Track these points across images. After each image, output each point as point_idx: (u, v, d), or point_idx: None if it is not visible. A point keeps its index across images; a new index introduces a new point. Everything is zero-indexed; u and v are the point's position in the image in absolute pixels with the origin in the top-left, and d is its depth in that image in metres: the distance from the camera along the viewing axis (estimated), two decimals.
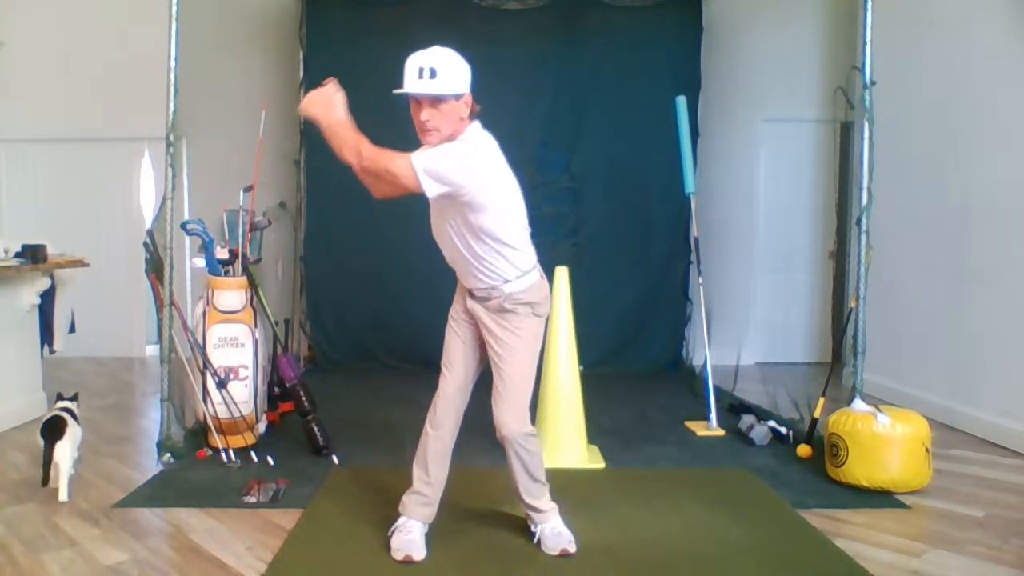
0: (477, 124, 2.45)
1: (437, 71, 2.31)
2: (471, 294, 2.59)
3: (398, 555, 2.56)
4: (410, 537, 2.61)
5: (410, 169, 2.28)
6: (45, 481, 3.10)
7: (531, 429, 2.57)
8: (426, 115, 2.33)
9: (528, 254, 2.54)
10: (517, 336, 2.52)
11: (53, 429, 3.15)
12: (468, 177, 2.31)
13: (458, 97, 2.36)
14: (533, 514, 2.70)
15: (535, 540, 2.68)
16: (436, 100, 2.32)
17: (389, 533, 2.66)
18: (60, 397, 3.48)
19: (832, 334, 6.49)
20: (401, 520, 2.67)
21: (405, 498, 2.70)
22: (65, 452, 3.13)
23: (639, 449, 3.95)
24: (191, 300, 6.31)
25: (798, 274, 6.60)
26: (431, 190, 2.29)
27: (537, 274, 2.57)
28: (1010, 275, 4.08)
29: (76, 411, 3.39)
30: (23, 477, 3.43)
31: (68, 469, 3.18)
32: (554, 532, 2.65)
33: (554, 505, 2.71)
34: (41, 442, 3.12)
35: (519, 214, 2.50)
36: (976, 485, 3.43)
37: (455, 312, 2.68)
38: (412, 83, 2.33)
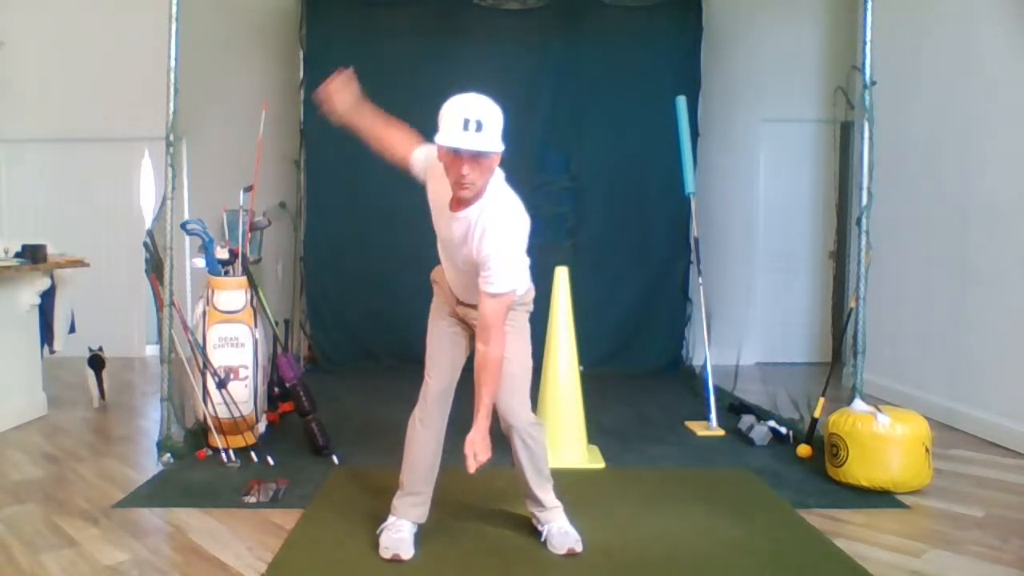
0: (500, 177, 2.41)
1: (484, 124, 2.18)
2: (462, 303, 2.62)
3: (386, 554, 2.56)
4: (399, 536, 2.61)
5: (506, 302, 2.37)
6: (103, 395, 4.80)
7: (535, 418, 2.65)
8: (467, 170, 2.22)
9: (526, 273, 2.61)
10: (515, 331, 2.56)
11: (99, 362, 4.78)
12: (524, 252, 2.44)
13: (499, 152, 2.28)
14: (539, 513, 2.71)
15: (542, 540, 2.68)
16: (480, 155, 2.22)
17: (378, 532, 2.67)
18: (91, 349, 4.79)
19: (832, 334, 6.49)
20: (391, 519, 2.68)
21: (396, 500, 2.70)
22: (104, 378, 4.78)
23: (639, 449, 3.95)
24: (191, 300, 6.31)
25: (798, 274, 6.59)
26: (519, 282, 2.42)
27: (529, 279, 2.65)
28: (1010, 275, 4.08)
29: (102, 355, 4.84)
30: (23, 477, 3.43)
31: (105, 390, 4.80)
32: (561, 532, 2.66)
33: (559, 504, 2.72)
34: (90, 371, 4.76)
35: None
36: (976, 485, 3.42)
37: (441, 314, 2.70)
38: (458, 135, 2.18)
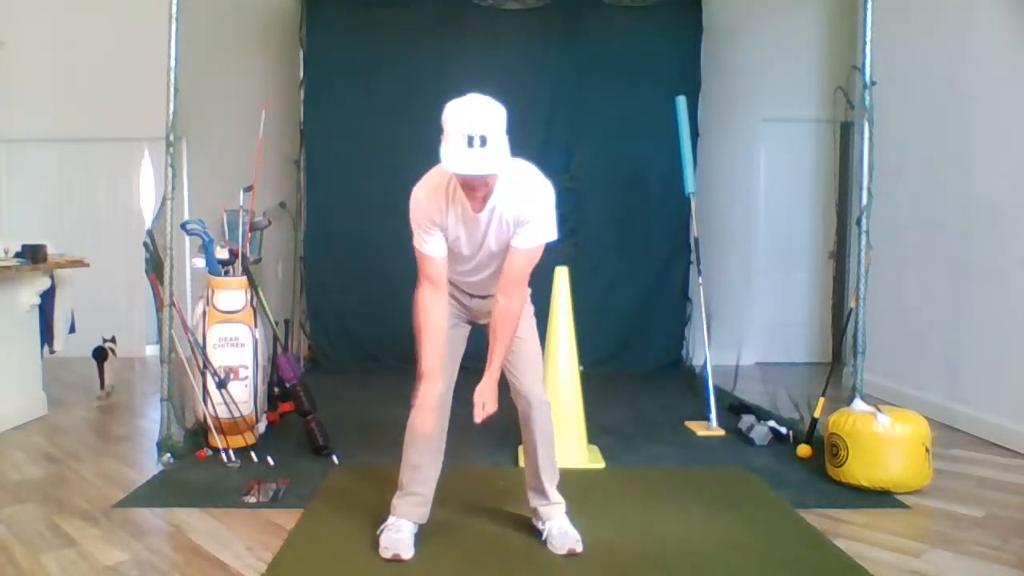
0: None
1: (488, 138, 2.15)
2: (477, 296, 2.64)
3: (386, 553, 2.56)
4: (399, 536, 2.61)
5: (538, 255, 2.44)
6: (102, 385, 5.01)
7: (548, 399, 2.69)
8: (478, 184, 2.24)
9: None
10: (526, 314, 2.62)
11: (102, 354, 5.00)
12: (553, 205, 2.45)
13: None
14: (542, 507, 2.71)
15: (542, 539, 2.68)
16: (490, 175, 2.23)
17: (378, 532, 2.67)
18: (104, 340, 5.07)
19: (832, 334, 6.49)
20: (391, 519, 2.68)
21: (396, 500, 2.70)
22: (107, 369, 5.02)
23: (639, 449, 3.95)
24: (191, 300, 6.31)
25: (798, 274, 6.59)
26: (549, 236, 2.44)
27: None
28: (1010, 275, 4.07)
29: (115, 347, 5.12)
30: (23, 477, 3.43)
31: (109, 381, 5.03)
32: (561, 532, 2.66)
33: (562, 500, 2.72)
34: (95, 362, 4.99)
35: None
36: (976, 485, 3.43)
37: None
38: (464, 159, 2.15)
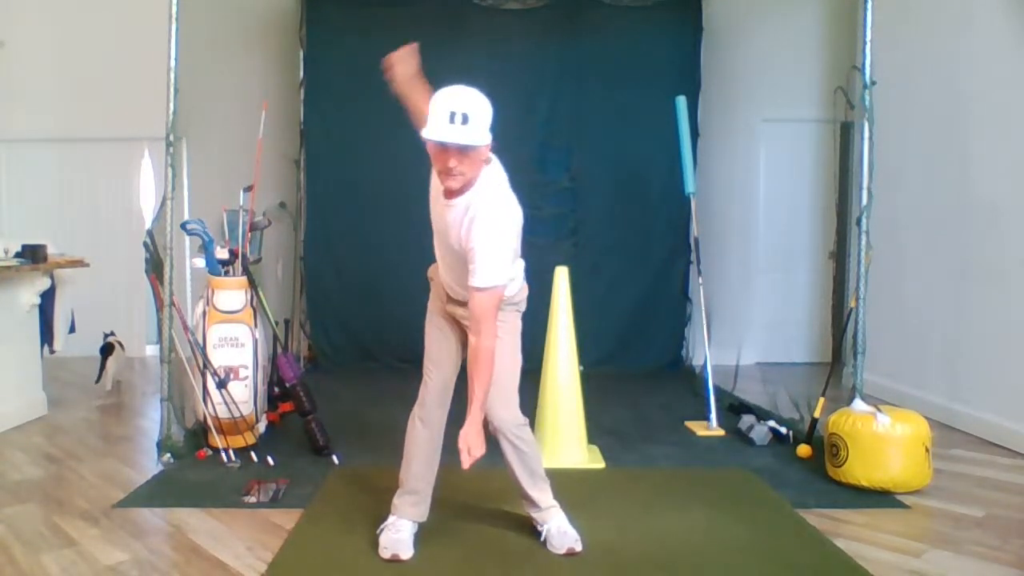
0: (495, 165, 2.42)
1: (470, 117, 2.20)
2: (452, 300, 2.62)
3: (385, 553, 2.56)
4: (399, 536, 2.61)
5: (494, 296, 2.35)
6: (99, 380, 5.07)
7: (523, 420, 2.62)
8: (454, 162, 2.23)
9: (519, 269, 2.60)
10: (503, 330, 2.52)
11: (107, 349, 5.12)
12: (512, 245, 2.41)
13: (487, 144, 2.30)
14: (535, 513, 2.71)
15: (542, 539, 2.68)
16: (466, 147, 2.23)
17: (378, 531, 2.67)
18: (105, 335, 5.21)
19: (832, 334, 6.49)
20: (391, 519, 2.68)
21: (396, 499, 2.70)
22: (111, 364, 5.10)
23: (639, 449, 3.95)
24: (191, 300, 6.31)
25: (798, 274, 6.59)
26: (506, 277, 2.39)
27: (522, 278, 2.64)
28: (1010, 275, 4.07)
29: (121, 341, 5.28)
30: (23, 477, 3.43)
31: (113, 375, 5.11)
32: (560, 531, 2.65)
33: (555, 504, 2.71)
34: (100, 357, 5.08)
35: (519, 241, 2.54)
36: (976, 485, 3.43)
37: (437, 311, 2.71)
38: (444, 129, 2.20)
